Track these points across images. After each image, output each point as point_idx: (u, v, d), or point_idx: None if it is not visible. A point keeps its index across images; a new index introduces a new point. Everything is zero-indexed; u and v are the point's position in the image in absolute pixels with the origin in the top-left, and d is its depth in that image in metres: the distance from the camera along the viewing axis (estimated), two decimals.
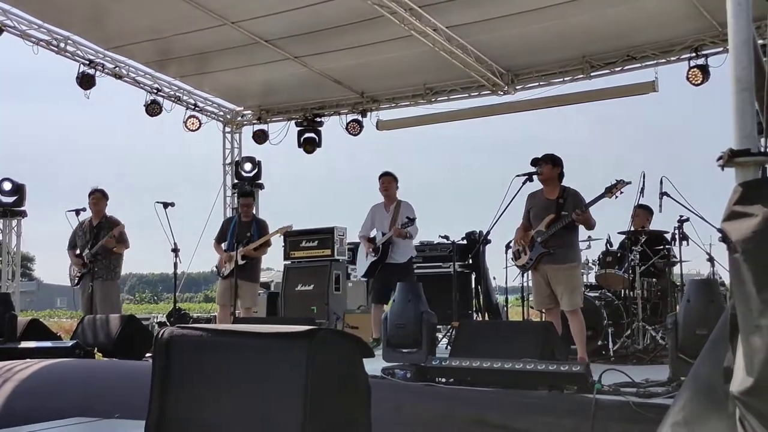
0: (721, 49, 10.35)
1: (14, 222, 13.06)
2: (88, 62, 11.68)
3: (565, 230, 7.44)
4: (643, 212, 9.13)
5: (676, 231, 8.51)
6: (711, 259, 8.62)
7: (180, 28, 10.66)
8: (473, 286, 11.56)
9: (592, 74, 11.62)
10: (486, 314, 11.47)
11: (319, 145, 14.33)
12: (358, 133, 13.72)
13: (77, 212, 9.85)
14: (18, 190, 12.87)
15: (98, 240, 9.68)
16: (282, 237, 11.28)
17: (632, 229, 9.01)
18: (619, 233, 9.24)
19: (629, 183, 7.57)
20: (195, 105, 13.85)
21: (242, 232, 9.79)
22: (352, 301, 12.07)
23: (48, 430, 3.71)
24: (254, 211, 14.78)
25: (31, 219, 13.13)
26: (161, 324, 11.31)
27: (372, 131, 13.74)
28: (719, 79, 10.48)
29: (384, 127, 13.74)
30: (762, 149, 2.32)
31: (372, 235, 9.48)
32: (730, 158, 2.27)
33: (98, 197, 9.95)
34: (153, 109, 12.97)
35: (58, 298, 52.58)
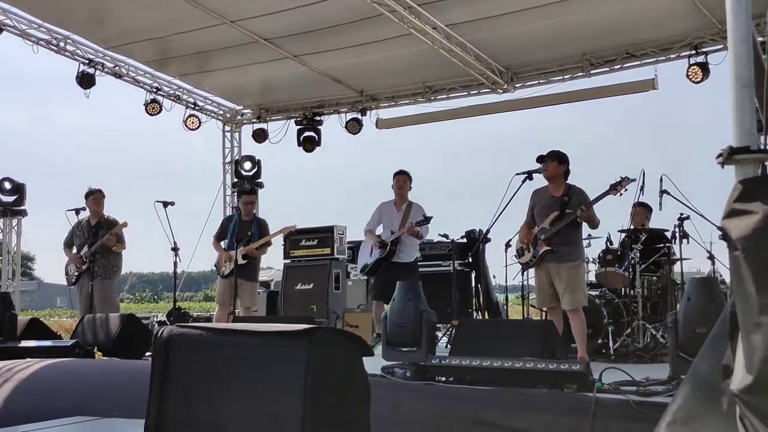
0: (721, 46, 10.33)
1: (14, 221, 13.05)
2: (87, 61, 11.68)
3: (569, 228, 7.39)
4: (642, 210, 9.12)
5: (677, 229, 8.50)
6: (711, 257, 8.61)
7: (179, 27, 10.66)
8: (473, 284, 11.55)
9: (591, 72, 11.61)
10: (486, 313, 11.47)
11: (318, 143, 14.33)
12: (358, 132, 13.73)
13: (77, 211, 9.86)
14: (18, 189, 12.86)
15: (97, 239, 9.68)
16: (282, 236, 11.27)
17: (632, 227, 9.00)
18: (619, 231, 9.24)
19: (634, 180, 7.55)
20: (195, 104, 13.84)
21: (243, 231, 9.78)
22: (351, 300, 12.05)
23: (48, 429, 3.71)
24: (254, 211, 14.85)
25: (32, 218, 13.14)
26: (161, 323, 11.31)
27: (371, 130, 13.76)
28: (719, 76, 10.47)
29: (383, 125, 13.74)
30: (762, 147, 2.31)
31: (378, 233, 9.43)
32: (729, 156, 2.26)
33: (99, 197, 9.96)
34: (153, 108, 12.97)
35: (59, 298, 52.59)
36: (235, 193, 14.18)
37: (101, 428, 3.99)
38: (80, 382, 6.24)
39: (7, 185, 12.73)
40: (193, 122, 13.84)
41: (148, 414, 2.76)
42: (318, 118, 14.22)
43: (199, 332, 2.84)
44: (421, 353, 6.39)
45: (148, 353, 7.32)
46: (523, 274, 8.99)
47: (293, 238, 11.87)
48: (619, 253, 9.13)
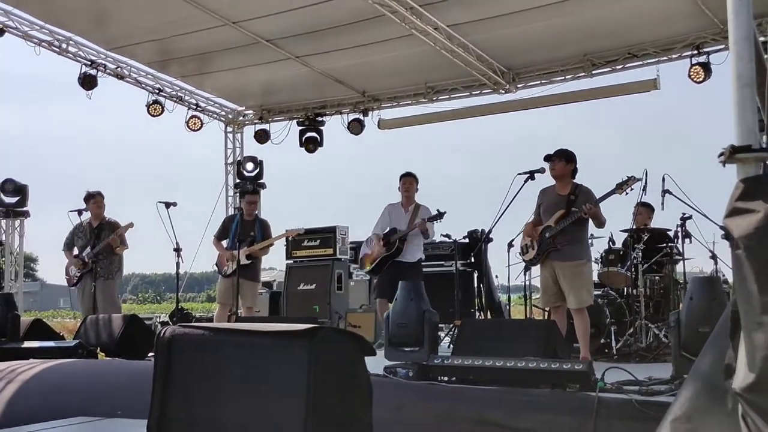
0: (722, 46, 10.31)
1: (17, 222, 13.06)
2: (90, 63, 11.69)
3: (574, 226, 7.35)
4: (645, 210, 9.12)
5: (679, 228, 8.50)
6: (714, 257, 8.61)
7: (181, 28, 10.67)
8: (475, 284, 11.54)
9: (593, 72, 11.60)
10: (488, 313, 11.45)
11: (320, 144, 14.33)
12: (360, 133, 13.73)
13: (80, 212, 9.87)
14: (21, 190, 12.87)
15: (100, 241, 9.70)
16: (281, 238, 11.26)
17: (634, 227, 9.00)
18: (621, 231, 9.23)
19: (640, 179, 7.48)
20: (197, 105, 13.86)
21: (245, 231, 9.78)
22: (354, 300, 12.06)
23: (51, 430, 3.71)
24: (256, 211, 14.86)
25: (34, 219, 13.15)
26: (164, 324, 11.31)
27: (373, 130, 13.76)
28: (721, 76, 10.48)
29: (385, 126, 13.74)
30: (763, 145, 2.31)
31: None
32: (731, 155, 2.27)
33: (100, 200, 9.97)
34: (155, 109, 12.98)
35: (62, 299, 52.56)
36: (237, 194, 14.20)
37: (104, 428, 3.99)
38: (83, 383, 6.25)
39: (10, 186, 12.74)
40: (195, 123, 13.86)
41: (151, 414, 2.76)
42: (320, 118, 14.22)
43: (201, 332, 2.84)
44: (423, 353, 6.39)
45: (150, 354, 7.32)
46: (525, 274, 8.98)
47: (296, 238, 11.88)
48: (621, 252, 9.12)
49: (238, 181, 14.60)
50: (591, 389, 4.78)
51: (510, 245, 8.48)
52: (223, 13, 10.24)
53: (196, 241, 12.20)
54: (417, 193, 9.44)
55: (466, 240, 11.32)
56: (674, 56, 10.98)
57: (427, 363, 5.77)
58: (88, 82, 11.66)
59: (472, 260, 11.42)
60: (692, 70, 10.67)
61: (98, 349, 7.56)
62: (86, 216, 9.98)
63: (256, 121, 14.82)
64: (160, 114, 13.03)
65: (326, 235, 11.92)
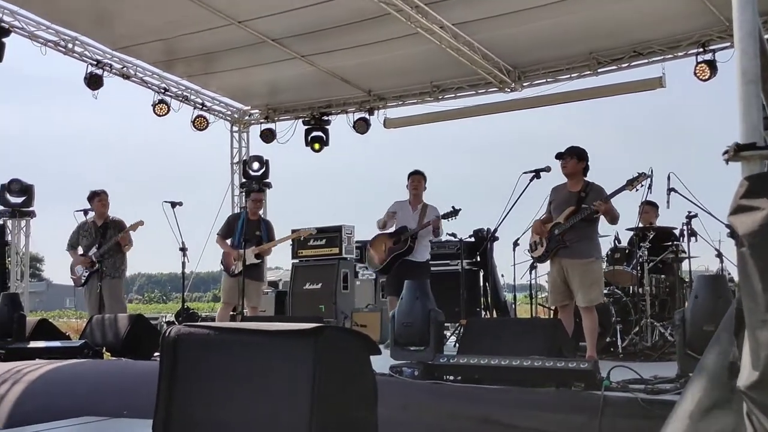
0: (728, 44, 10.29)
1: (23, 222, 13.08)
2: (95, 63, 11.72)
3: (584, 223, 7.29)
4: (650, 208, 9.12)
5: (684, 227, 8.49)
6: (720, 255, 8.59)
7: (187, 28, 10.69)
8: (481, 283, 11.54)
9: (598, 70, 11.58)
10: (494, 312, 11.45)
11: (326, 143, 14.33)
12: (366, 132, 13.74)
13: (85, 212, 9.87)
14: (26, 190, 12.89)
15: (105, 240, 9.69)
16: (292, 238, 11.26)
17: (640, 225, 8.98)
18: (627, 230, 9.22)
19: (650, 176, 7.41)
20: (202, 104, 13.88)
21: (251, 231, 9.76)
22: (360, 300, 12.06)
23: (58, 429, 3.73)
24: (262, 210, 14.88)
25: (40, 219, 13.18)
26: (170, 323, 11.32)
27: (379, 129, 13.76)
28: (727, 74, 10.46)
29: (391, 125, 13.74)
30: None
31: (391, 230, 9.33)
32: (735, 152, 2.26)
33: (104, 198, 9.94)
34: (161, 108, 13.01)
35: (67, 298, 52.58)
36: (243, 193, 14.20)
37: (110, 428, 4.00)
38: (89, 383, 6.27)
39: (16, 186, 12.76)
40: (201, 123, 13.88)
41: (156, 413, 2.76)
42: (326, 117, 14.22)
43: (206, 332, 2.84)
44: (429, 352, 6.39)
45: (156, 353, 7.33)
46: (531, 273, 8.98)
47: (301, 238, 11.89)
48: (627, 251, 9.12)
49: (244, 180, 14.61)
50: (596, 388, 4.77)
51: (516, 244, 8.46)
52: (229, 12, 10.26)
53: (202, 241, 12.21)
54: (424, 192, 9.41)
55: (472, 239, 11.32)
56: (680, 54, 10.96)
57: (433, 362, 5.76)
58: (93, 81, 11.68)
59: (478, 259, 11.42)
60: (698, 67, 10.64)
61: (104, 349, 7.58)
62: (90, 215, 9.96)
63: (261, 120, 14.84)
64: (165, 113, 13.06)
65: (332, 235, 11.93)
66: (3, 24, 10.42)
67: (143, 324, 8.06)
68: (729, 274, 8.41)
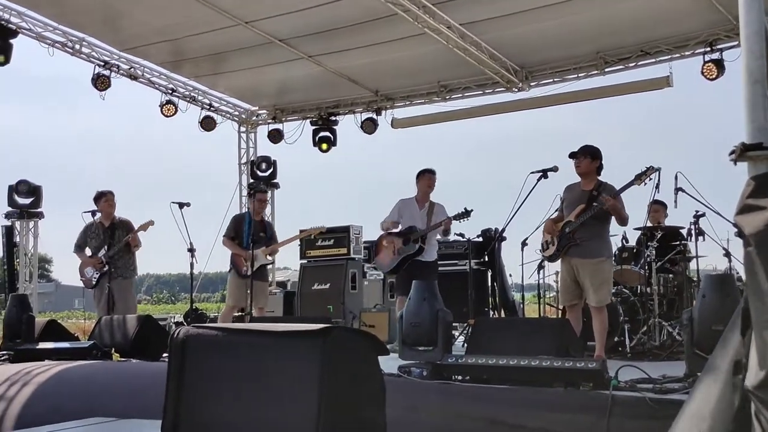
0: (735, 43, 10.27)
1: (31, 223, 13.11)
2: (103, 63, 11.75)
3: (595, 221, 7.25)
4: (658, 208, 9.11)
5: (692, 226, 8.47)
6: (728, 254, 8.59)
7: (194, 28, 10.71)
8: (489, 283, 11.54)
9: (606, 70, 11.57)
10: (502, 311, 11.44)
11: (334, 143, 14.35)
12: (373, 132, 13.75)
13: (93, 213, 9.84)
14: (35, 191, 12.93)
15: (114, 240, 9.69)
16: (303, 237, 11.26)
17: (648, 224, 8.97)
18: (635, 229, 9.21)
19: (659, 169, 7.32)
20: (210, 105, 13.91)
21: (257, 231, 9.75)
22: (368, 300, 12.06)
23: (67, 430, 3.73)
24: (270, 210, 14.91)
25: (48, 220, 13.19)
26: (178, 324, 11.34)
27: (387, 129, 13.77)
28: (734, 73, 10.42)
29: (399, 125, 13.74)
30: None
31: (396, 230, 9.28)
32: (742, 152, 2.26)
33: (111, 198, 9.88)
34: (168, 109, 13.04)
35: (76, 299, 52.72)
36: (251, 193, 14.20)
37: (119, 429, 4.01)
38: (98, 384, 6.29)
39: (24, 188, 12.79)
40: (208, 123, 13.91)
41: (165, 414, 2.77)
42: (333, 118, 14.24)
43: (214, 333, 2.85)
44: (437, 352, 6.38)
45: (165, 354, 7.34)
46: (539, 273, 8.99)
47: (310, 238, 11.89)
48: (635, 250, 9.11)
49: (252, 181, 14.62)
50: (604, 388, 4.76)
51: (524, 244, 8.46)
52: (236, 13, 10.28)
53: (210, 242, 12.22)
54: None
55: (480, 239, 11.31)
56: (687, 53, 10.94)
57: (441, 362, 5.76)
58: (101, 82, 11.71)
59: (486, 259, 11.42)
60: (705, 67, 10.63)
61: (113, 349, 7.59)
62: (97, 216, 9.93)
63: (269, 120, 14.87)
64: (173, 114, 13.09)
65: (340, 235, 11.93)
66: (11, 25, 10.48)
67: (152, 325, 8.06)
68: (737, 273, 8.39)
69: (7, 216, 12.82)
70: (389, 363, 5.93)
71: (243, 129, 15.20)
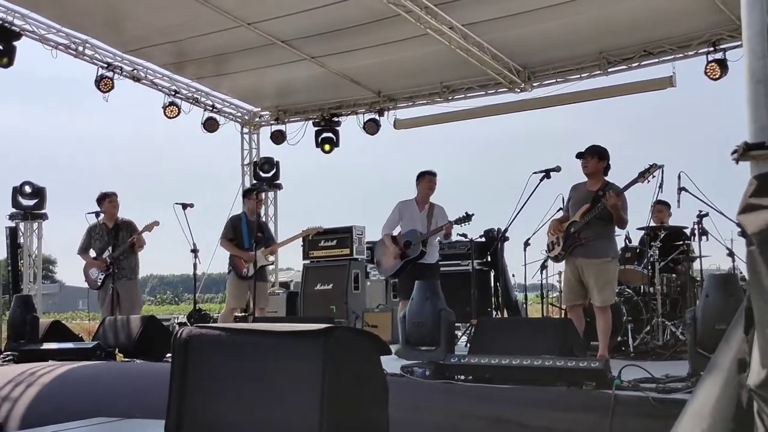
0: (739, 43, 10.24)
1: (35, 225, 13.12)
2: (106, 65, 11.77)
3: (600, 222, 7.20)
4: (661, 207, 9.10)
5: (696, 226, 8.46)
6: (731, 254, 8.57)
7: (197, 30, 10.72)
8: (492, 283, 11.53)
9: (608, 70, 11.57)
10: (505, 311, 11.44)
11: (336, 144, 14.36)
12: (376, 133, 13.76)
13: (97, 214, 9.85)
14: (38, 193, 12.94)
15: (118, 241, 9.70)
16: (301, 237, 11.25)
17: (651, 224, 8.97)
18: (638, 229, 9.20)
19: (662, 166, 7.27)
20: (213, 106, 13.93)
21: (256, 232, 9.73)
22: (371, 300, 12.08)
23: (71, 430, 3.74)
24: (272, 211, 14.93)
25: (52, 222, 13.19)
26: (181, 324, 11.35)
27: (389, 130, 13.78)
28: (738, 73, 10.40)
29: (401, 126, 13.75)
30: None
31: (396, 233, 9.22)
32: (744, 152, 2.26)
33: (115, 199, 9.88)
34: (171, 111, 13.05)
35: (80, 300, 52.82)
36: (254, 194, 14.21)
37: (123, 429, 4.02)
38: (102, 384, 6.30)
39: (28, 189, 12.80)
40: (211, 125, 13.93)
41: (169, 414, 2.78)
42: (336, 119, 14.25)
43: (217, 333, 2.86)
44: (440, 352, 6.40)
45: (168, 355, 7.35)
46: (541, 273, 8.98)
47: (312, 238, 11.90)
48: (638, 250, 9.10)
49: (255, 182, 14.65)
50: (607, 387, 4.76)
51: (526, 244, 8.46)
52: (238, 14, 10.29)
53: (214, 243, 12.21)
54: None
55: (483, 239, 11.31)
56: (690, 53, 10.94)
57: (444, 362, 5.76)
58: (104, 84, 11.73)
59: (489, 259, 11.42)
60: (708, 67, 10.62)
61: (116, 350, 7.60)
62: (100, 217, 9.93)
63: (272, 122, 14.88)
64: (176, 116, 13.11)
65: (343, 235, 11.94)
66: (14, 27, 10.49)
67: (155, 325, 8.07)
68: (741, 273, 8.37)
69: (11, 217, 12.83)
70: (392, 363, 5.95)
71: (246, 130, 15.22)
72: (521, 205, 7.73)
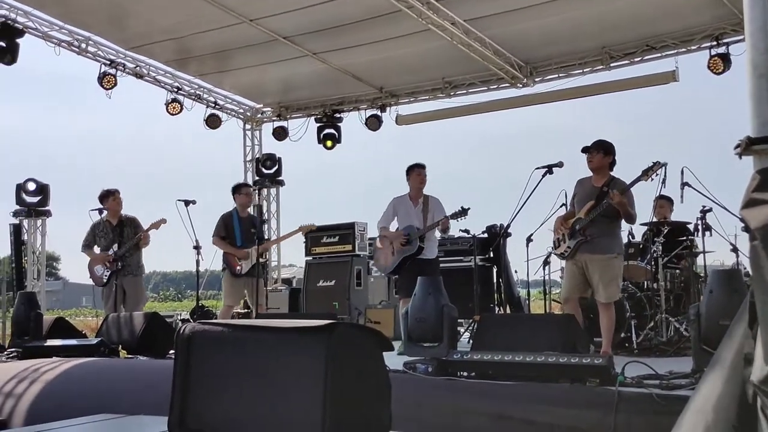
0: (742, 37, 10.21)
1: (39, 222, 13.15)
2: (109, 62, 11.78)
3: (605, 219, 7.19)
4: (664, 203, 9.08)
5: (699, 221, 8.45)
6: (735, 250, 8.55)
7: (199, 26, 10.73)
8: (494, 279, 11.52)
9: (611, 65, 11.57)
10: (507, 307, 11.43)
11: (338, 140, 14.37)
12: (378, 128, 13.77)
13: (100, 211, 9.86)
14: (42, 190, 12.96)
15: (123, 238, 9.70)
16: (302, 233, 11.24)
17: (654, 220, 8.95)
18: (641, 224, 9.18)
19: (665, 164, 7.24)
20: (215, 103, 13.93)
21: (247, 228, 9.73)
22: (373, 296, 12.07)
23: (74, 427, 3.74)
24: (275, 207, 14.94)
25: (56, 218, 13.21)
26: (184, 321, 11.36)
27: (391, 126, 13.79)
28: (741, 67, 10.37)
29: (403, 121, 13.75)
30: None
31: (393, 229, 9.17)
32: (747, 146, 2.26)
33: (118, 196, 9.89)
34: (174, 107, 13.08)
35: (84, 297, 52.87)
36: (256, 191, 14.20)
37: (126, 425, 4.02)
38: (106, 381, 6.31)
39: (31, 186, 12.83)
40: (213, 121, 13.93)
41: (172, 410, 2.78)
42: (338, 115, 14.27)
43: (220, 329, 2.85)
44: (442, 348, 6.37)
45: (171, 351, 7.35)
46: (544, 269, 8.97)
47: (314, 235, 11.90)
48: (641, 246, 9.08)
49: (257, 178, 14.68)
50: (611, 384, 4.76)
51: (529, 239, 8.45)
52: (240, 10, 10.29)
53: None
54: (427, 186, 9.23)
55: (485, 235, 11.28)
56: (693, 48, 10.92)
57: (447, 358, 5.76)
58: (107, 81, 11.75)
59: (491, 255, 11.39)
60: (711, 61, 10.61)
61: (120, 346, 7.61)
62: (104, 214, 9.93)
63: (274, 118, 14.90)
64: (178, 112, 13.13)
65: (345, 232, 11.93)
66: (17, 25, 10.50)
67: (158, 322, 8.09)
68: (744, 268, 8.36)
69: (15, 214, 12.87)
70: (394, 359, 5.95)
71: (248, 126, 15.24)
72: (523, 201, 7.74)
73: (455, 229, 9.43)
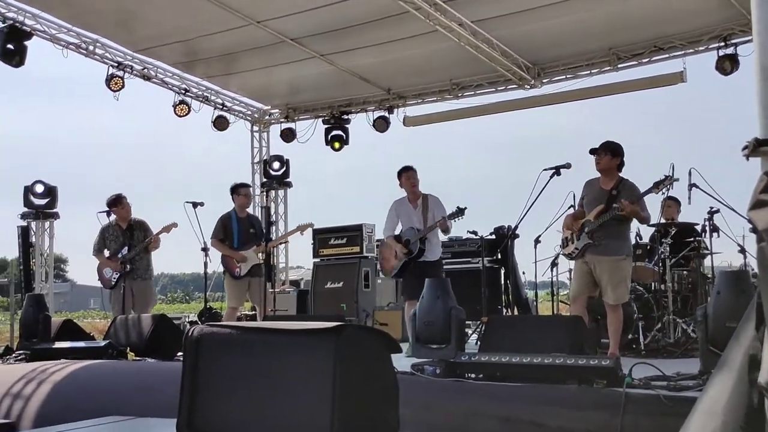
0: (750, 37, 10.16)
1: (47, 224, 13.17)
2: (116, 64, 11.81)
3: (614, 221, 7.13)
4: (672, 204, 9.06)
5: (707, 222, 8.43)
6: (743, 251, 8.53)
7: (206, 28, 10.75)
8: (502, 281, 11.51)
9: (619, 66, 11.53)
10: (515, 309, 11.42)
11: (346, 142, 14.37)
12: (385, 130, 13.77)
13: (108, 213, 9.90)
14: (50, 192, 12.98)
15: (132, 241, 9.72)
16: (311, 235, 11.24)
17: (662, 221, 8.93)
18: (649, 226, 9.15)
19: (677, 180, 7.22)
20: (223, 105, 13.95)
21: (246, 229, 9.72)
22: (381, 298, 12.07)
23: (83, 429, 3.75)
24: (282, 209, 14.95)
25: (64, 221, 13.24)
26: (192, 323, 11.37)
27: (399, 127, 13.78)
28: (749, 68, 10.34)
29: (411, 123, 13.74)
30: None
31: (397, 233, 9.12)
32: (755, 148, 2.25)
33: (126, 201, 9.91)
34: (181, 109, 13.11)
35: (92, 299, 53.01)
36: (264, 193, 14.24)
37: (135, 428, 4.03)
38: (114, 383, 6.32)
39: (40, 188, 12.85)
40: (221, 123, 13.96)
41: (180, 412, 2.78)
42: (345, 116, 14.26)
43: (228, 331, 2.86)
44: (450, 350, 6.38)
45: (179, 353, 7.36)
46: (552, 270, 8.96)
47: (322, 236, 11.92)
48: (648, 247, 9.06)
49: (265, 180, 14.69)
50: (618, 385, 4.76)
51: (537, 241, 8.44)
52: (247, 12, 10.31)
53: None
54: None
55: (493, 236, 11.27)
56: (701, 48, 10.89)
57: (455, 360, 5.76)
58: (115, 83, 11.78)
59: (499, 257, 11.37)
60: (719, 62, 10.58)
61: (128, 349, 7.62)
62: (112, 217, 9.95)
63: (282, 120, 14.91)
64: (186, 114, 13.16)
65: (353, 233, 11.94)
66: (25, 27, 10.54)
67: (166, 324, 8.09)
68: (752, 269, 8.33)
69: (23, 216, 12.89)
70: (402, 361, 5.95)
71: (255, 128, 15.25)
72: (531, 202, 7.71)
73: (463, 230, 9.43)
